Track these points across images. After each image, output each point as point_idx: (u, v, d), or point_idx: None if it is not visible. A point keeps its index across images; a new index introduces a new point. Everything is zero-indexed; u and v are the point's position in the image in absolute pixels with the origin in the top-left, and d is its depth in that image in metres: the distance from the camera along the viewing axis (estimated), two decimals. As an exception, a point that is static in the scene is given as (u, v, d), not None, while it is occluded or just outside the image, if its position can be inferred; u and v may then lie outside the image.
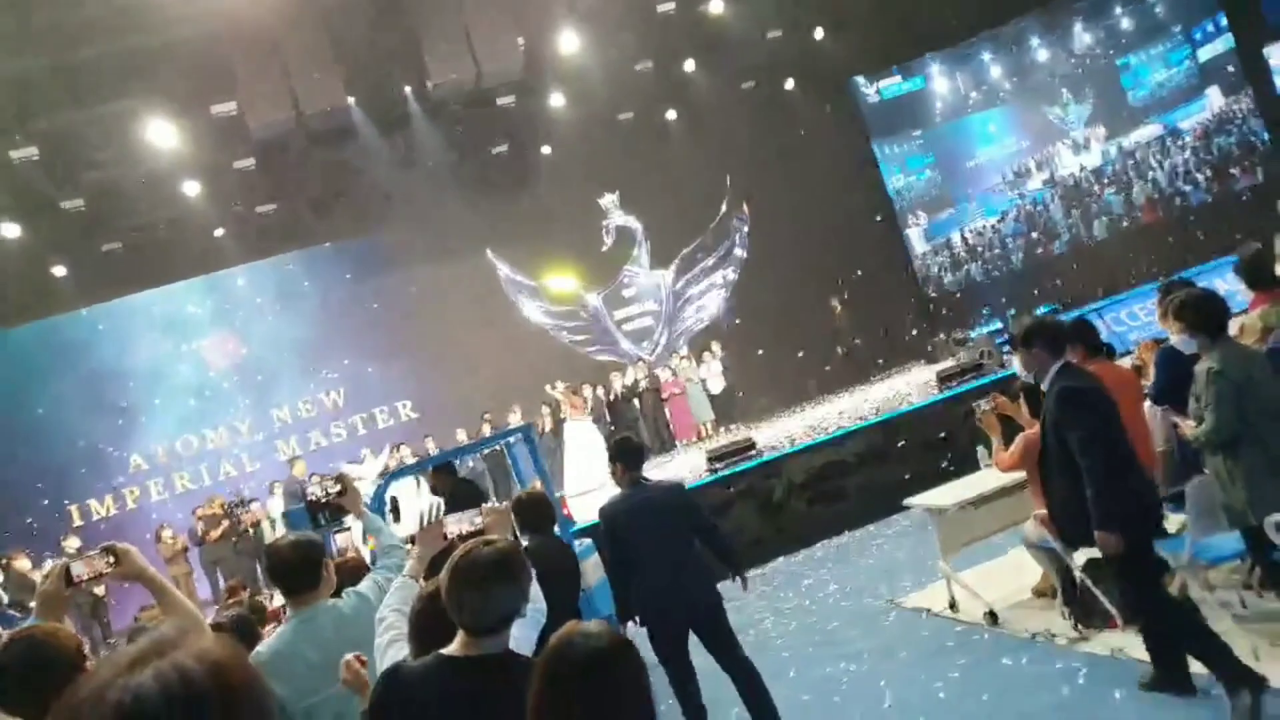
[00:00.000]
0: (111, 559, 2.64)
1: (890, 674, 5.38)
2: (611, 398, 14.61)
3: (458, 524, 3.04)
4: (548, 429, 13.50)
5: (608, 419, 14.07)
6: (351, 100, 13.47)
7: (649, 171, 16.85)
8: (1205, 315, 3.90)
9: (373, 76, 13.67)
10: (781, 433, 11.33)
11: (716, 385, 14.77)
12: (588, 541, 7.06)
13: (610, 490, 4.76)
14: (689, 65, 16.34)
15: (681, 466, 11.28)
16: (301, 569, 3.12)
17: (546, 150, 16.44)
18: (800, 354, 16.70)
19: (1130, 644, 4.64)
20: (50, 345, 14.41)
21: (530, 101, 15.46)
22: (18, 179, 12.35)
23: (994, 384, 8.54)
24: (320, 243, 15.82)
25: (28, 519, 13.46)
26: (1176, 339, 4.06)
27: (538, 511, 4.54)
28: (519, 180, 16.25)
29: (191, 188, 14.00)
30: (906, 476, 9.04)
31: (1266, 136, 15.46)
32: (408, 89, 14.24)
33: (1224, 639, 3.75)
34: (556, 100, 15.63)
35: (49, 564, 2.83)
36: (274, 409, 15.79)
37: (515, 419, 13.41)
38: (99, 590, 10.12)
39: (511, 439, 8.81)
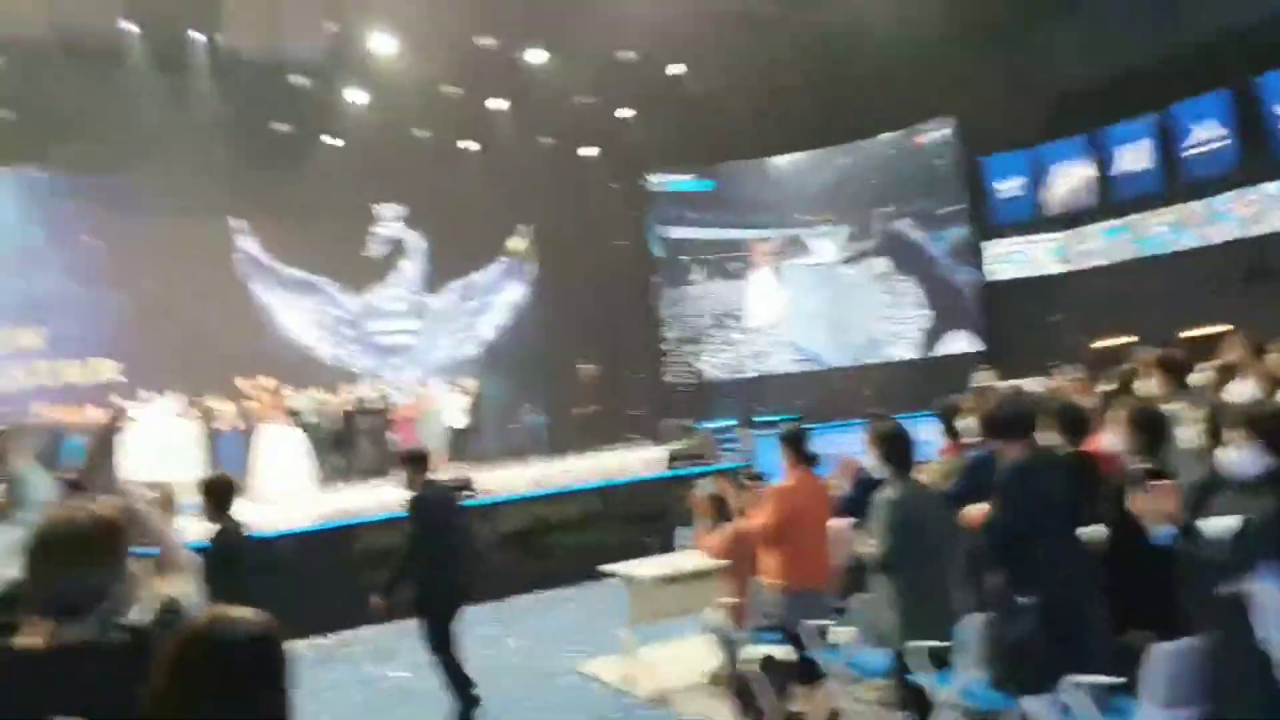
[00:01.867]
0: None
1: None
2: (344, 409, 13.92)
3: None
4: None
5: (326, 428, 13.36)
6: (130, 24, 12.25)
7: (434, 194, 16.56)
8: (893, 449, 4.34)
9: (159, 7, 12.49)
10: (503, 480, 11.26)
11: (458, 420, 14.47)
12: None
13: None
14: (497, 104, 16.37)
15: (390, 495, 10.85)
16: None
17: (331, 141, 15.73)
18: (544, 408, 16.81)
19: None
20: None
21: (326, 89, 14.81)
22: None
23: (714, 473, 9.00)
24: (53, 166, 13.99)
25: None
26: (870, 464, 4.48)
27: (228, 494, 4.30)
28: (294, 163, 15.38)
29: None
30: (615, 544, 9.31)
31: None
32: (197, 35, 13.17)
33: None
34: (355, 96, 15.08)
35: None
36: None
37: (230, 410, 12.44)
38: None
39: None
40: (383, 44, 13.78)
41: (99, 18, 11.58)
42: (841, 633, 4.90)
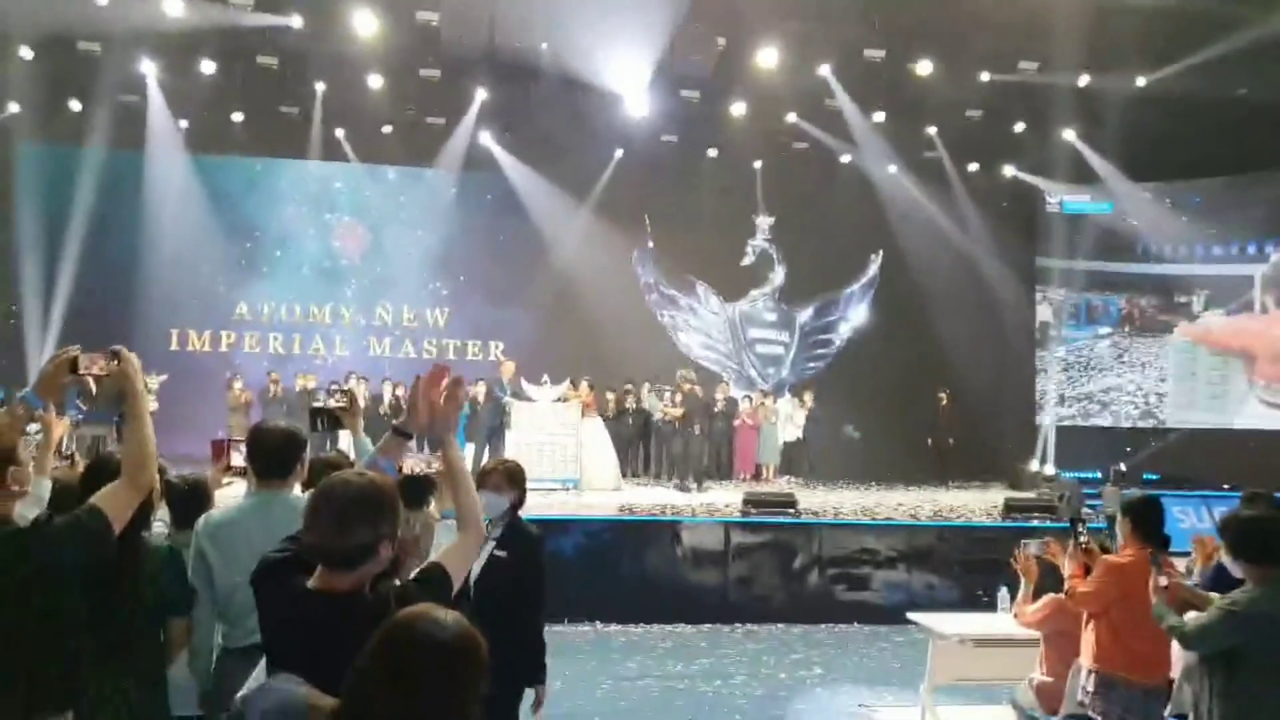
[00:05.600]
0: (115, 362, 2.69)
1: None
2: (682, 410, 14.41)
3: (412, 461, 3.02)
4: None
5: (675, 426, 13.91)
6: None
7: (807, 207, 16.67)
8: (1251, 541, 3.44)
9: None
10: (831, 502, 10.97)
11: (791, 434, 14.41)
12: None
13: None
14: (878, 117, 15.92)
15: (718, 498, 11.05)
16: (280, 456, 3.19)
17: (712, 153, 16.41)
18: (889, 434, 16.14)
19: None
20: (216, 182, 15.36)
21: (712, 102, 15.38)
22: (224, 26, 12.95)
23: (1056, 531, 8.03)
24: (480, 166, 16.05)
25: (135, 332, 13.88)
26: (1224, 556, 3.66)
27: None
28: (681, 173, 16.25)
29: (375, 80, 14.52)
30: (941, 590, 8.77)
31: None
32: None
33: None
34: (737, 109, 15.50)
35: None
36: (380, 306, 16.29)
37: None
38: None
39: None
40: (768, 56, 13.98)
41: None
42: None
